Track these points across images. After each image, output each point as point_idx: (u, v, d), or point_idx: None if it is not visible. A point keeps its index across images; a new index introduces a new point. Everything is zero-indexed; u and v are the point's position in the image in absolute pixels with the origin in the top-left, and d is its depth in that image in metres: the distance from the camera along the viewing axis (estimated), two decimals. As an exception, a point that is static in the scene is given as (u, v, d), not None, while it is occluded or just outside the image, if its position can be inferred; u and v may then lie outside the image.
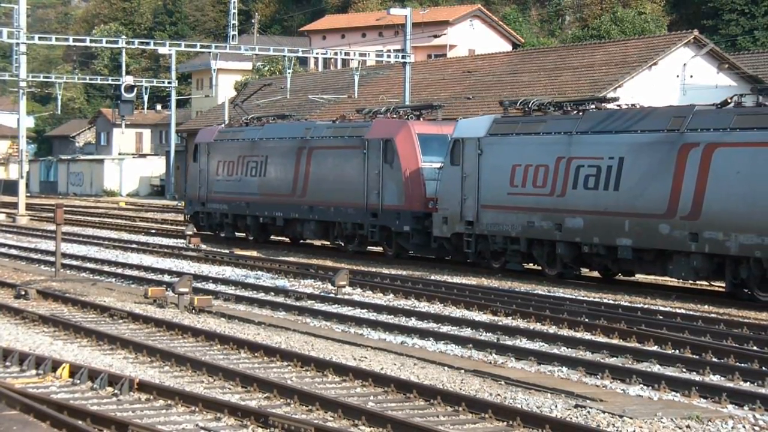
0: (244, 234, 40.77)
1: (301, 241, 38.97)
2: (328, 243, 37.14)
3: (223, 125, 45.86)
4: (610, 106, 28.67)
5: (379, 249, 34.92)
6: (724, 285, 25.04)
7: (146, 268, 30.51)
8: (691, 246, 24.50)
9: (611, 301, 23.86)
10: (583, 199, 27.03)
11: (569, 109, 28.76)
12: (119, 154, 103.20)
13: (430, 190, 31.98)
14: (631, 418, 12.65)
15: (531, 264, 29.65)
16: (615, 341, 18.69)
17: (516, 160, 28.96)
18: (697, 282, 26.02)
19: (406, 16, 50.15)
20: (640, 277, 28.19)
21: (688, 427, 12.47)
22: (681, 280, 26.16)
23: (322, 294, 25.00)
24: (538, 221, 28.21)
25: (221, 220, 41.51)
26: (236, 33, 56.23)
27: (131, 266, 31.23)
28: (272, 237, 40.17)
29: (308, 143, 36.86)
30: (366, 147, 34.01)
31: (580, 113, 28.15)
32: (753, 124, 23.82)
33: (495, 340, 18.55)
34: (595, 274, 28.89)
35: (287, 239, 39.66)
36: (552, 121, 28.55)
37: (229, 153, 41.09)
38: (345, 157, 35.01)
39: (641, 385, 14.94)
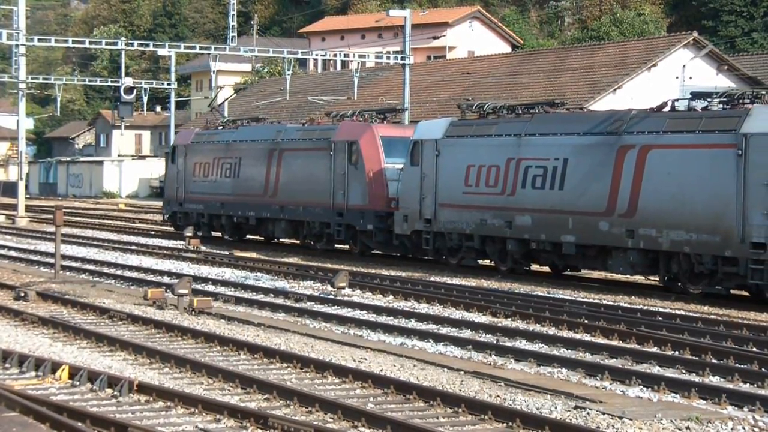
0: (220, 233, 41.67)
1: (274, 240, 39.79)
2: (298, 241, 37.95)
3: (200, 128, 46.59)
4: (558, 110, 29.89)
5: (346, 247, 35.81)
6: (658, 279, 26.18)
7: (146, 270, 30.52)
8: (628, 242, 25.86)
9: (611, 303, 23.86)
10: (531, 198, 28.31)
11: (521, 112, 29.90)
12: (118, 155, 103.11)
13: (392, 190, 33.04)
14: (630, 419, 12.65)
15: (485, 260, 30.96)
16: (614, 342, 18.69)
17: (470, 161, 30.21)
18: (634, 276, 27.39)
19: (405, 17, 50.17)
20: (640, 278, 28.24)
21: (687, 428, 12.47)
22: (620, 274, 27.58)
23: (321, 295, 25.00)
24: (490, 219, 29.46)
25: (198, 219, 42.44)
26: (235, 35, 56.31)
27: (131, 268, 31.23)
28: (247, 236, 41.00)
29: (279, 145, 37.92)
30: (333, 149, 34.97)
31: (530, 116, 29.26)
32: (683, 128, 25.03)
33: (494, 342, 18.55)
34: (545, 269, 29.99)
35: (261, 238, 40.43)
36: (503, 123, 29.81)
37: (205, 155, 42.15)
38: (313, 159, 36.00)
39: (641, 387, 14.94)
